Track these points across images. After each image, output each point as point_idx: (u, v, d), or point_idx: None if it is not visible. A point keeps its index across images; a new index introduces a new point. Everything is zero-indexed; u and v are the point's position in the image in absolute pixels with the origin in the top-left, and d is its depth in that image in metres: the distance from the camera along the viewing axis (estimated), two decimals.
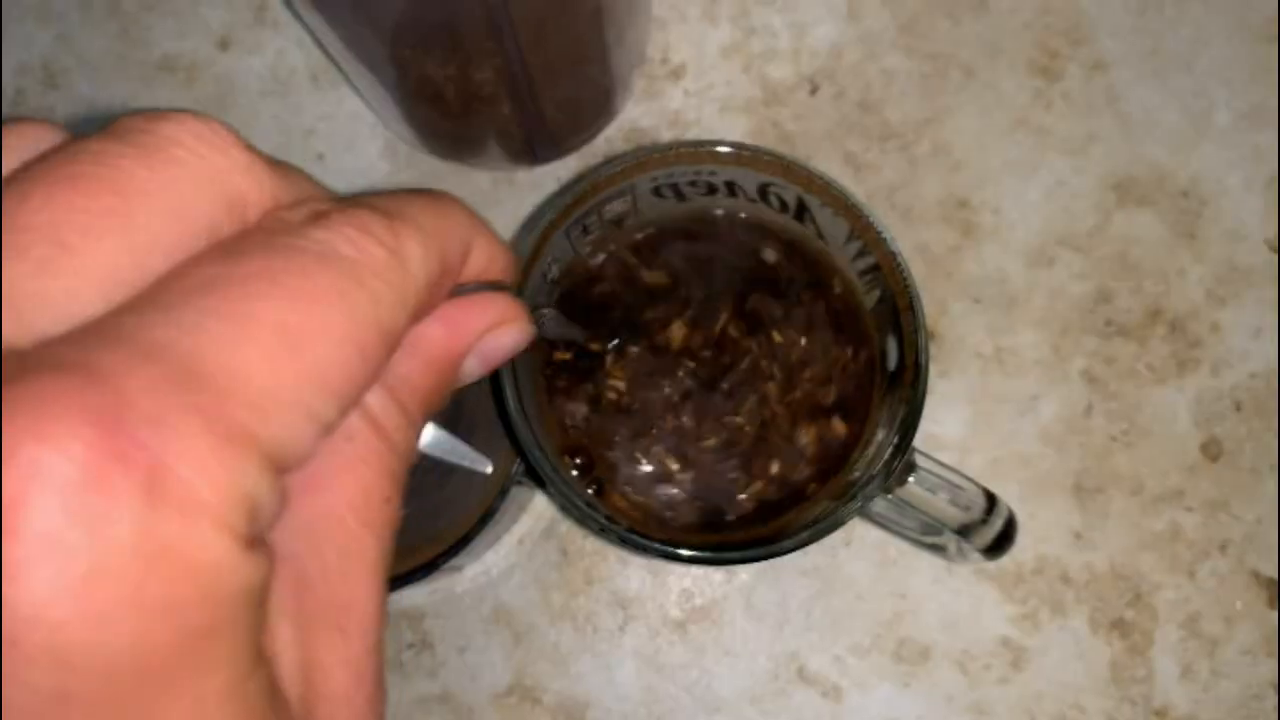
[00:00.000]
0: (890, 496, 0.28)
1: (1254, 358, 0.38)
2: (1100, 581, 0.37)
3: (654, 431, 0.30)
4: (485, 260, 0.17)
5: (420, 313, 0.14)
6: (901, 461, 0.27)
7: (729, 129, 0.40)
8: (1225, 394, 0.38)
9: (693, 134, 0.41)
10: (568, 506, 0.26)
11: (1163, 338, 0.38)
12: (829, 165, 0.40)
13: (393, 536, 0.15)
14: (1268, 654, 0.37)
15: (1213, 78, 0.40)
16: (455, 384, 0.17)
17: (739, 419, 0.30)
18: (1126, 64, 0.41)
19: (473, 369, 0.17)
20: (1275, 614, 0.37)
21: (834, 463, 0.30)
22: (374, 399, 0.15)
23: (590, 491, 0.30)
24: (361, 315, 0.13)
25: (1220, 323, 0.38)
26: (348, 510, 0.14)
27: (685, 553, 0.26)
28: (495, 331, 0.17)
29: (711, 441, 0.30)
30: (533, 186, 0.40)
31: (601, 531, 0.26)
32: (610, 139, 0.40)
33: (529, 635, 0.38)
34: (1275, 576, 0.37)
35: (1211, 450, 0.38)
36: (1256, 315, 0.39)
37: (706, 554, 0.26)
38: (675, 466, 0.30)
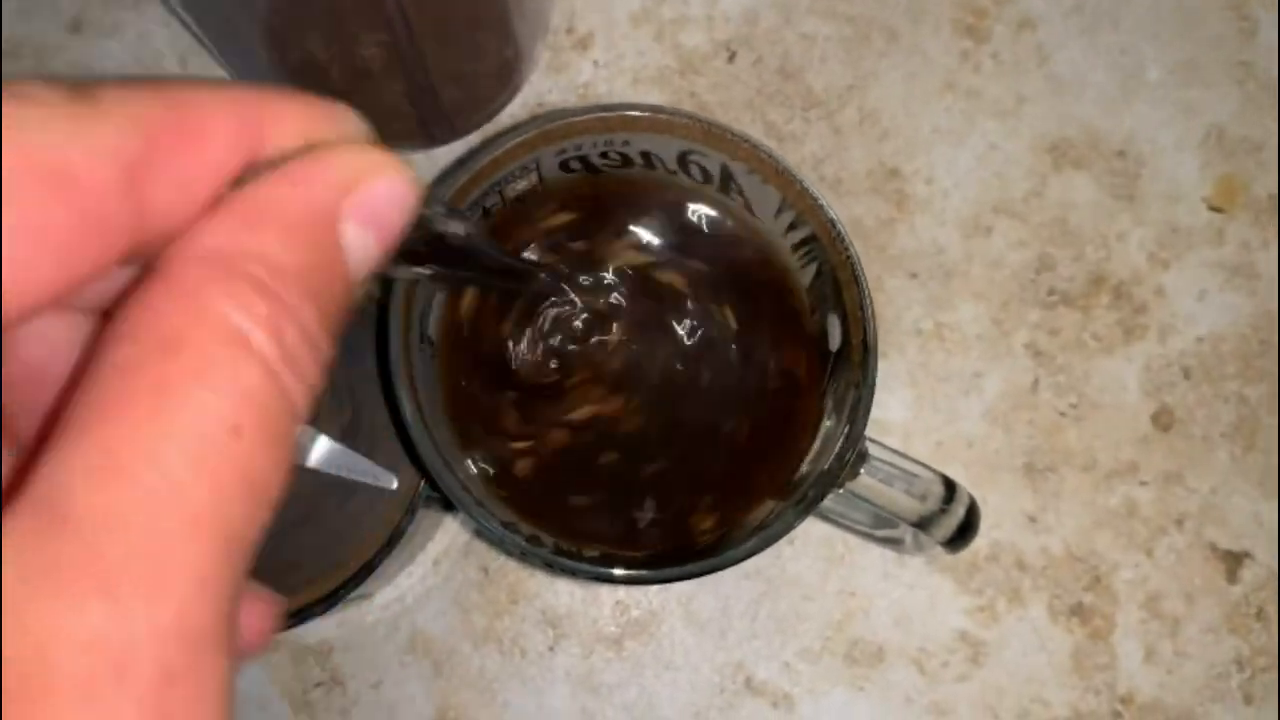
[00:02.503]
0: (841, 491, 0.25)
1: (1199, 321, 0.37)
2: (1057, 566, 0.35)
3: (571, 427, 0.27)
4: (304, 125, 0.13)
5: (152, 166, 0.11)
6: (854, 453, 0.24)
7: (643, 101, 0.37)
8: (1174, 360, 0.36)
9: None
10: (483, 530, 0.23)
11: (1107, 305, 0.37)
12: None
13: (249, 484, 0.11)
14: (1230, 630, 0.35)
15: (1140, 33, 0.39)
16: (346, 268, 0.13)
17: (664, 418, 0.27)
18: (1053, 22, 0.39)
19: (362, 242, 0.13)
20: (1235, 589, 0.35)
21: (778, 457, 0.27)
22: (215, 293, 0.11)
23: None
24: None
25: (1164, 286, 0.37)
26: (167, 442, 0.10)
27: (619, 572, 0.23)
28: (366, 184, 0.13)
29: (629, 459, 0.27)
30: (432, 170, 0.36)
31: (523, 556, 0.23)
32: (515, 116, 0.37)
33: (450, 663, 0.34)
34: (1233, 549, 0.35)
35: (1163, 420, 0.36)
36: (1199, 277, 0.37)
37: (644, 573, 0.23)
38: (597, 467, 0.27)
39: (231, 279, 0.11)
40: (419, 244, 0.17)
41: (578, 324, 0.27)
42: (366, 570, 0.29)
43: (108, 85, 0.11)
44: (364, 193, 0.13)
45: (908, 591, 0.35)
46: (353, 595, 0.29)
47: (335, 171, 0.13)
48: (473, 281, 0.25)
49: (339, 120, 0.13)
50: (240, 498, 0.11)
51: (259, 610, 0.15)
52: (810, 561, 0.35)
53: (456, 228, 0.18)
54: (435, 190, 0.24)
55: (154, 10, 0.37)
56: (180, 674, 0.10)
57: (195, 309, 0.11)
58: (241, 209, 0.12)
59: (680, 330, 0.28)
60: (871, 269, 0.37)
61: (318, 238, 0.12)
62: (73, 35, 0.37)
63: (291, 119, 0.13)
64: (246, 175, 0.12)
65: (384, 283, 0.25)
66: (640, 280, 0.28)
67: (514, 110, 0.37)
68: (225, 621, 0.10)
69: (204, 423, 0.10)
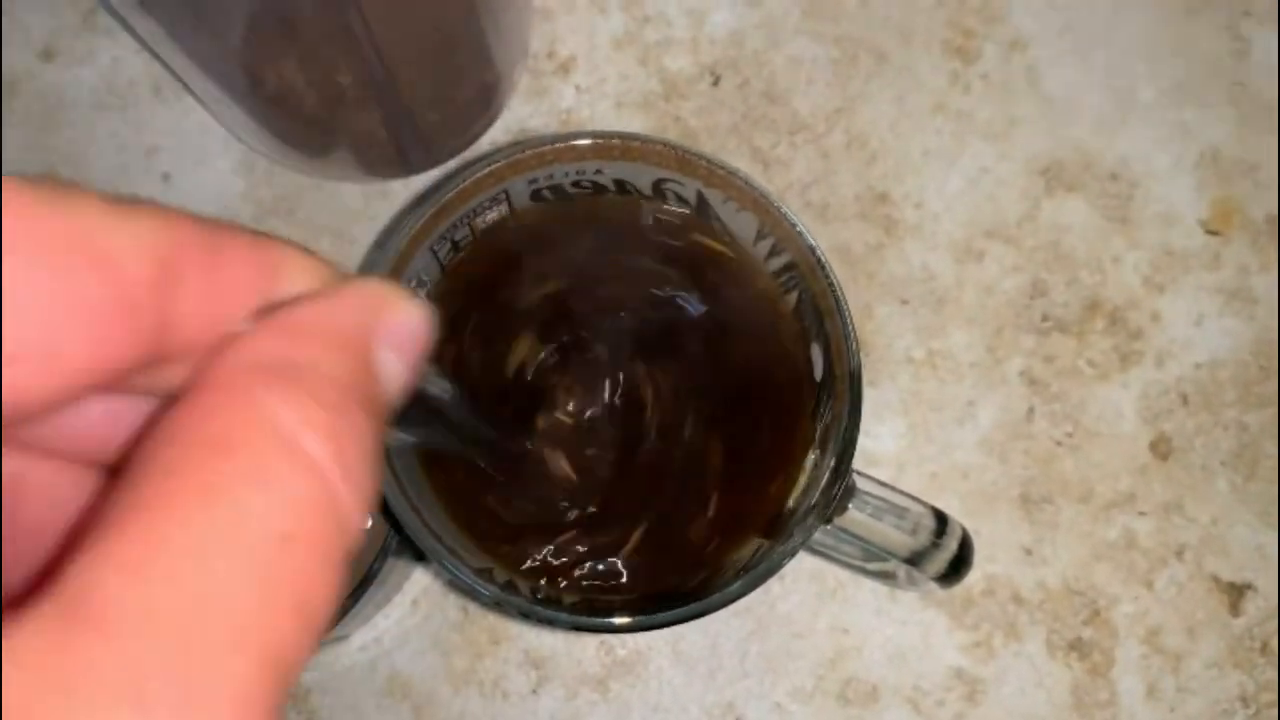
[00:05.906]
0: (829, 526, 0.24)
1: (1197, 347, 0.36)
2: (1055, 599, 0.34)
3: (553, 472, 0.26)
4: (316, 271, 0.13)
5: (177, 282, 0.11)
6: (841, 487, 0.23)
7: (626, 127, 0.37)
8: (1171, 387, 0.35)
9: None
10: (456, 581, 0.22)
11: (1102, 331, 0.36)
12: (736, 162, 0.36)
13: (298, 602, 0.10)
14: (1234, 665, 0.34)
15: (1133, 53, 0.38)
16: (384, 391, 0.12)
17: (647, 454, 0.26)
18: (1044, 42, 0.38)
19: (393, 367, 0.12)
20: (1238, 622, 0.34)
21: (765, 492, 0.26)
22: (268, 396, 0.10)
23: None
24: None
25: (1160, 311, 0.36)
26: (214, 545, 0.09)
27: (600, 621, 0.22)
28: (394, 310, 0.13)
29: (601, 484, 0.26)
30: (410, 199, 0.36)
31: (497, 606, 0.21)
32: (496, 142, 0.36)
33: (430, 706, 0.33)
34: (1235, 581, 0.34)
35: (1161, 448, 0.35)
36: (1196, 301, 0.36)
37: (628, 620, 0.22)
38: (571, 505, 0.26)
39: (286, 383, 0.11)
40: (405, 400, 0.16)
41: (559, 364, 0.26)
42: (338, 614, 0.28)
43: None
44: (393, 317, 0.12)
45: (901, 627, 0.34)
46: (326, 638, 0.28)
47: (367, 297, 0.12)
48: (437, 445, 0.24)
49: (349, 274, 0.13)
50: (288, 616, 0.10)
51: None
52: (801, 598, 0.34)
53: (437, 388, 0.17)
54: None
55: (127, 37, 0.36)
56: None
57: (247, 409, 0.10)
58: (284, 325, 0.11)
59: (664, 366, 0.27)
60: (861, 296, 0.36)
61: (361, 353, 0.12)
62: (45, 63, 0.36)
63: (304, 264, 0.12)
64: (265, 311, 0.12)
65: None
66: (626, 318, 0.27)
67: (495, 136, 0.36)
68: None
69: (254, 529, 0.09)
